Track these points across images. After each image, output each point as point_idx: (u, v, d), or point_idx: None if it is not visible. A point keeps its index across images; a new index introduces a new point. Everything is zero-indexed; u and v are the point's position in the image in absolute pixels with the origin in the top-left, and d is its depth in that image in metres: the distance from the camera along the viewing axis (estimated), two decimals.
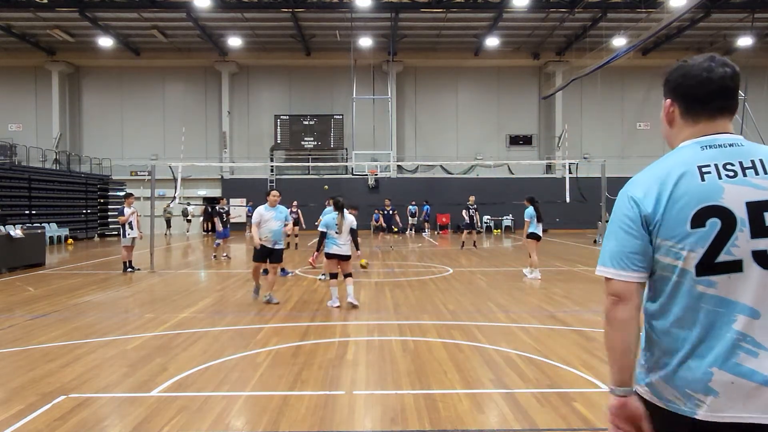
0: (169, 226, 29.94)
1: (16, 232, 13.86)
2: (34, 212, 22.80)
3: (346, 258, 8.72)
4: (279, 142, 32.42)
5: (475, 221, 19.47)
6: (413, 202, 29.26)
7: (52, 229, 22.97)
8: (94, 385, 5.00)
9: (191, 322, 7.72)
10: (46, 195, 23.85)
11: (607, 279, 1.68)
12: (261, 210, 9.12)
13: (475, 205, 19.38)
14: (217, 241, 16.60)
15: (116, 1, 25.26)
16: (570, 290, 10.39)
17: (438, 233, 30.06)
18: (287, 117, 32.43)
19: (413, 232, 29.28)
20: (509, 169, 32.07)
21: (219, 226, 16.46)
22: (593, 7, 25.87)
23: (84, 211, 26.81)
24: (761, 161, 1.62)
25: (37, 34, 29.40)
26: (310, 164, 32.10)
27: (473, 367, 5.52)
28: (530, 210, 11.98)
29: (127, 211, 13.25)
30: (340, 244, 8.62)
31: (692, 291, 1.60)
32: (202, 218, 30.15)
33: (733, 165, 1.62)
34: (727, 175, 1.61)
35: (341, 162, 31.34)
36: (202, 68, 32.71)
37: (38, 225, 19.32)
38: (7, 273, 13.29)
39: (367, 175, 30.76)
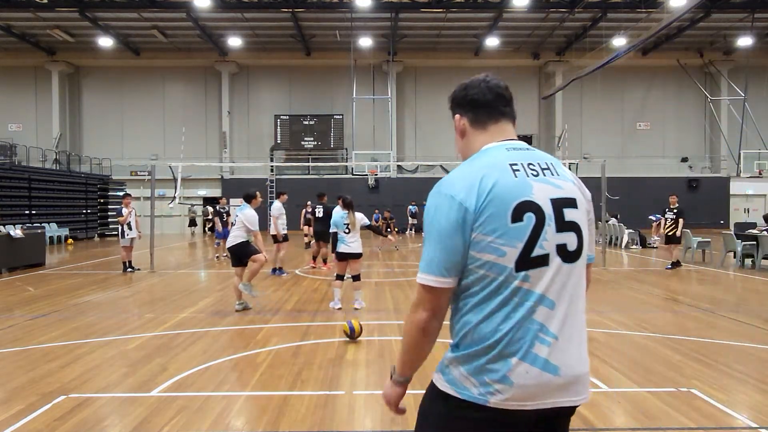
0: (194, 225, 30.07)
1: (16, 232, 13.86)
2: (34, 212, 22.80)
3: (357, 256, 8.65)
4: (279, 142, 32.43)
5: None
6: (413, 202, 29.27)
7: (52, 229, 22.96)
8: (94, 385, 5.00)
9: (191, 322, 7.72)
10: (46, 195, 23.85)
11: (431, 287, 1.66)
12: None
13: None
14: (217, 241, 16.61)
15: (116, 1, 25.28)
16: None
17: None
18: (287, 117, 32.44)
19: (413, 232, 29.28)
20: None
21: (219, 226, 16.45)
22: (593, 7, 25.87)
23: (84, 211, 26.80)
24: (552, 164, 1.76)
25: (37, 34, 29.42)
26: (310, 164, 32.10)
27: None
28: None
29: (125, 211, 13.25)
30: (349, 243, 8.48)
31: (510, 286, 1.62)
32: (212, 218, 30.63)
33: (534, 165, 1.72)
34: (533, 174, 1.69)
35: (341, 162, 31.35)
36: (202, 68, 32.72)
37: (38, 225, 19.32)
38: (7, 273, 13.28)
39: (367, 175, 30.77)
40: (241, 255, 8.53)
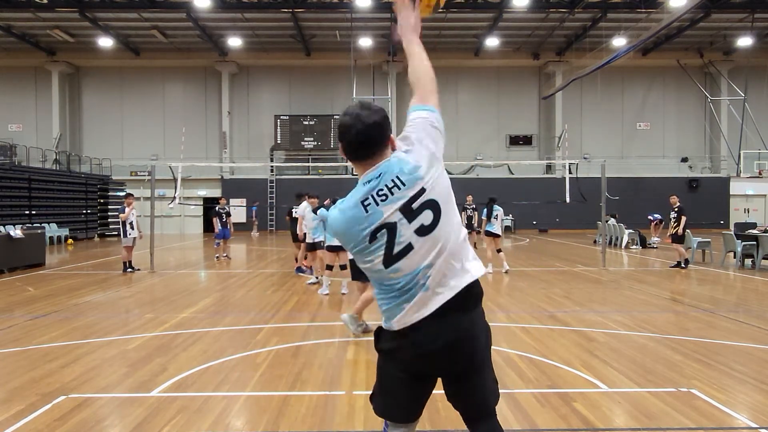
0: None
1: (16, 232, 13.86)
2: (34, 212, 22.79)
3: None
4: (279, 142, 32.41)
5: (473, 221, 19.31)
6: None
7: (52, 229, 22.96)
8: (94, 385, 5.00)
9: (191, 322, 7.72)
10: (46, 195, 23.84)
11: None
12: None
13: (474, 205, 19.24)
14: (217, 241, 16.59)
15: (116, 1, 25.27)
16: (570, 290, 10.39)
17: None
18: (287, 117, 32.42)
19: None
20: (509, 169, 32.06)
21: (217, 227, 16.43)
22: (593, 7, 25.87)
23: (84, 211, 26.80)
24: (398, 177, 2.11)
25: (37, 34, 29.40)
26: (310, 164, 32.10)
27: None
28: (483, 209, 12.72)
29: (127, 210, 13.24)
30: None
31: (388, 277, 2.16)
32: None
33: (383, 190, 2.10)
34: (382, 200, 2.10)
35: (341, 162, 31.30)
36: (202, 68, 32.71)
37: (38, 225, 19.33)
38: (7, 273, 13.28)
39: None
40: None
